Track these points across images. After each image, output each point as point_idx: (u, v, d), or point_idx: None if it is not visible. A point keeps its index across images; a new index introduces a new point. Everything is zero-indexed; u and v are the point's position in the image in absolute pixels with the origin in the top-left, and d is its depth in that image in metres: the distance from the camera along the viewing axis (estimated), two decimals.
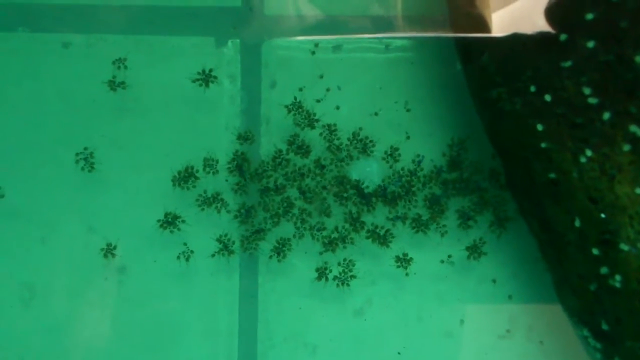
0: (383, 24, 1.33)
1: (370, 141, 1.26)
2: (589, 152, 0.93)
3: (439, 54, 1.30)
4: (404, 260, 1.26)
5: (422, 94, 1.30)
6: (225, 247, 1.25)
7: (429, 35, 1.26)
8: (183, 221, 1.24)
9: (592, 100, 0.90)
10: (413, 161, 1.27)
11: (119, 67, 1.24)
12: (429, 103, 1.30)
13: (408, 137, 1.28)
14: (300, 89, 1.27)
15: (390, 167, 1.26)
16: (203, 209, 1.25)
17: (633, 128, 0.89)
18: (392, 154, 1.26)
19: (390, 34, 1.32)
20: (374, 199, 1.26)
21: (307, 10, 1.32)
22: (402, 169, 1.26)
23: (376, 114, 1.28)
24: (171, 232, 1.23)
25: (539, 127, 0.97)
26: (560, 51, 0.91)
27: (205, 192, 1.24)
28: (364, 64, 1.31)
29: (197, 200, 1.24)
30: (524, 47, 0.96)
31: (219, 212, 1.25)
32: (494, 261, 1.27)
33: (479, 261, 1.26)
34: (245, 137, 1.26)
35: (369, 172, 1.28)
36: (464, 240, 1.27)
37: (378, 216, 1.27)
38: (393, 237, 1.26)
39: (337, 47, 1.30)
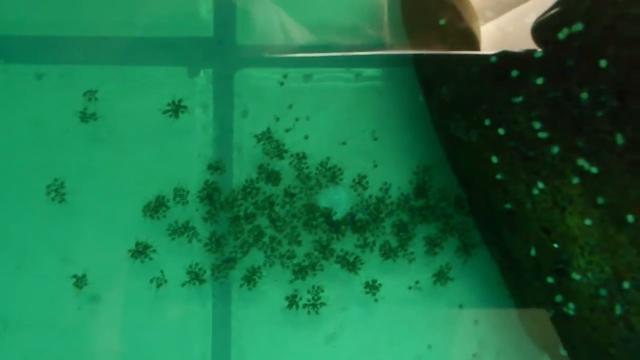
0: (353, 53, 1.37)
1: (339, 169, 1.31)
2: (540, 184, 0.98)
3: (406, 84, 1.35)
4: (372, 287, 1.30)
5: (390, 123, 1.35)
6: (196, 276, 1.29)
7: (397, 60, 1.31)
8: (154, 251, 1.28)
9: (542, 135, 0.95)
10: (380, 189, 1.31)
11: (89, 99, 1.28)
12: (396, 132, 1.35)
13: (375, 166, 1.33)
14: (273, 119, 1.31)
15: (359, 195, 1.31)
16: (174, 239, 1.28)
17: (581, 162, 0.94)
18: (360, 182, 1.31)
19: (360, 63, 1.36)
20: (342, 227, 1.30)
21: (278, 40, 1.37)
22: (370, 196, 1.31)
23: (344, 143, 1.32)
24: (142, 262, 1.27)
25: (494, 160, 1.02)
26: (512, 87, 0.96)
27: (176, 221, 1.28)
28: (334, 93, 1.36)
29: (167, 229, 1.28)
30: (479, 82, 1.01)
31: (189, 241, 1.29)
32: (460, 286, 1.32)
33: (445, 286, 1.31)
34: (215, 167, 1.30)
35: (337, 200, 1.33)
36: (431, 266, 1.31)
37: (347, 243, 1.31)
38: (362, 264, 1.30)
39: (307, 76, 1.35)
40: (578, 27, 0.91)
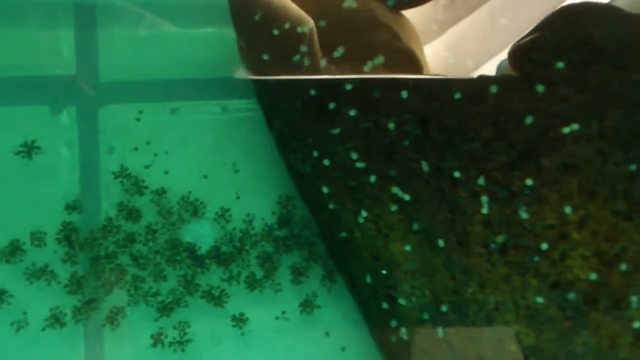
0: (220, 86, 1.42)
1: (201, 203, 1.35)
2: (364, 213, 1.04)
3: None
4: (240, 320, 1.34)
5: (252, 154, 1.40)
6: (56, 319, 1.31)
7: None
8: (11, 295, 1.30)
9: (360, 165, 1.02)
10: (244, 220, 1.36)
11: None
12: (258, 163, 1.40)
13: (238, 197, 1.37)
14: (135, 155, 1.35)
15: (222, 227, 1.35)
16: (32, 282, 1.31)
17: (395, 190, 1.00)
18: (224, 215, 1.35)
19: (227, 95, 1.41)
20: (207, 261, 1.34)
21: (143, 75, 1.41)
22: (234, 228, 1.35)
23: (206, 176, 1.37)
24: None
25: (324, 190, 1.08)
26: (330, 119, 1.03)
27: (33, 264, 1.31)
28: (199, 126, 1.41)
29: (25, 273, 1.31)
30: (304, 115, 1.07)
31: (49, 284, 1.31)
32: (327, 314, 1.37)
33: (312, 315, 1.35)
34: (73, 207, 1.33)
35: (201, 233, 1.37)
36: (297, 295, 1.36)
37: (212, 277, 1.35)
38: (228, 297, 1.34)
39: (174, 110, 1.39)
40: (380, 60, 0.98)
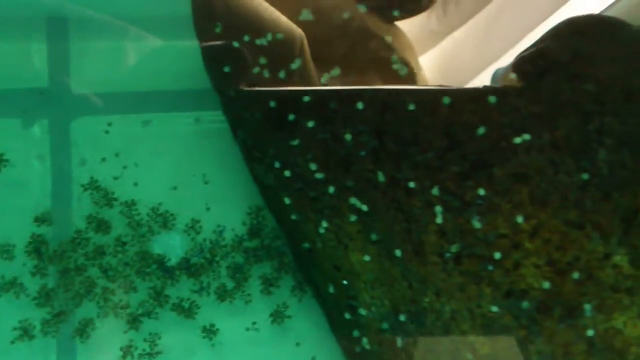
0: (194, 97, 1.44)
1: (171, 215, 1.37)
2: (325, 223, 1.06)
3: None
4: (210, 331, 1.35)
5: (222, 165, 1.42)
6: (25, 332, 1.32)
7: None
8: None
9: (319, 175, 1.04)
10: (214, 232, 1.37)
11: None
12: (228, 174, 1.42)
13: (208, 209, 1.39)
14: (105, 166, 1.37)
15: (192, 239, 1.36)
16: (0, 295, 1.32)
17: (353, 200, 1.02)
18: (194, 227, 1.37)
19: (200, 106, 1.43)
20: (177, 272, 1.36)
21: (115, 87, 1.43)
22: (204, 240, 1.37)
23: (175, 188, 1.38)
24: None
25: (287, 201, 1.09)
26: (290, 130, 1.05)
27: (2, 277, 1.32)
28: (172, 138, 1.42)
29: None
30: (264, 126, 1.09)
31: (17, 297, 1.33)
32: (297, 324, 1.38)
33: (282, 325, 1.36)
34: (42, 219, 1.34)
35: (172, 245, 1.38)
36: (268, 306, 1.37)
37: (182, 289, 1.37)
38: (199, 308, 1.35)
39: (146, 122, 1.41)
40: (336, 71, 1.00)
